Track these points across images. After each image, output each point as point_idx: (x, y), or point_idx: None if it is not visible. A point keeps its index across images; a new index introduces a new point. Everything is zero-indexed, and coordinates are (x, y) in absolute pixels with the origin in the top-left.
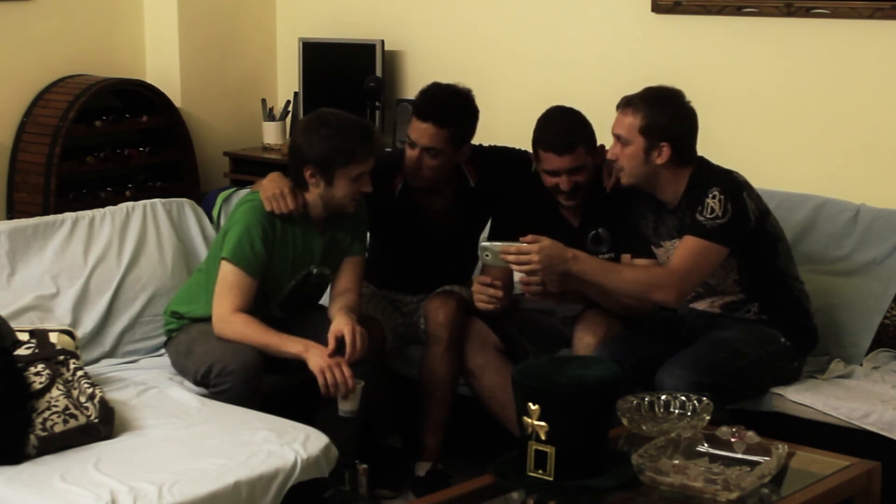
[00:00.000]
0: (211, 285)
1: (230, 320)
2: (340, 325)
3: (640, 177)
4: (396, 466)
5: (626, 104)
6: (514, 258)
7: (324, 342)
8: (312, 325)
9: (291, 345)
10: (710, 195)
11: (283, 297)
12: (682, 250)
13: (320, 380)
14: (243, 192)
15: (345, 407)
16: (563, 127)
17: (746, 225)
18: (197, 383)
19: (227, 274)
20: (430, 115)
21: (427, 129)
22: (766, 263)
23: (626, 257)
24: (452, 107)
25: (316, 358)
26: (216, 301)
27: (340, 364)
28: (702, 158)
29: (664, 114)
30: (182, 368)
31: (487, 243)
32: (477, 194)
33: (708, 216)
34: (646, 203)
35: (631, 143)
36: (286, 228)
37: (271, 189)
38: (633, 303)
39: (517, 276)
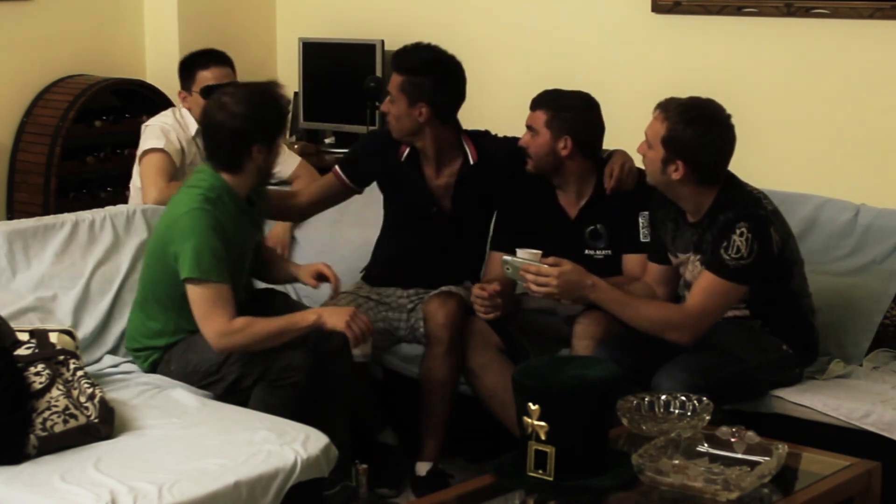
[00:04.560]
0: (160, 306)
1: (231, 331)
2: (311, 266)
3: (660, 184)
4: (395, 465)
5: (663, 108)
6: (533, 278)
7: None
8: (277, 310)
9: (302, 319)
10: (738, 231)
11: (245, 279)
12: (701, 289)
13: (349, 333)
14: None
15: (359, 352)
16: (548, 90)
17: (768, 261)
18: (231, 389)
19: (205, 291)
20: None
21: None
22: (779, 286)
23: (626, 257)
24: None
25: (334, 317)
26: (205, 323)
27: (356, 313)
28: (731, 176)
29: (686, 132)
30: (203, 375)
31: (509, 258)
32: (476, 174)
33: (733, 255)
34: (666, 208)
35: (653, 149)
36: (229, 221)
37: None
38: None
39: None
